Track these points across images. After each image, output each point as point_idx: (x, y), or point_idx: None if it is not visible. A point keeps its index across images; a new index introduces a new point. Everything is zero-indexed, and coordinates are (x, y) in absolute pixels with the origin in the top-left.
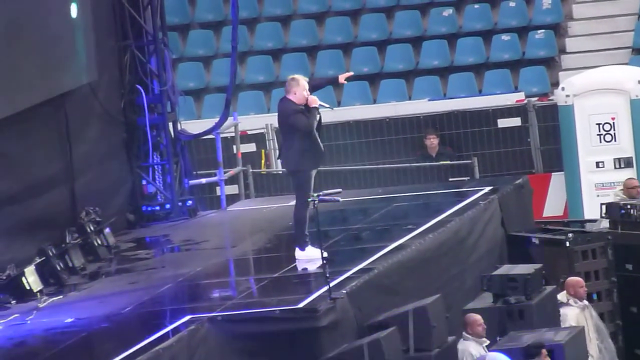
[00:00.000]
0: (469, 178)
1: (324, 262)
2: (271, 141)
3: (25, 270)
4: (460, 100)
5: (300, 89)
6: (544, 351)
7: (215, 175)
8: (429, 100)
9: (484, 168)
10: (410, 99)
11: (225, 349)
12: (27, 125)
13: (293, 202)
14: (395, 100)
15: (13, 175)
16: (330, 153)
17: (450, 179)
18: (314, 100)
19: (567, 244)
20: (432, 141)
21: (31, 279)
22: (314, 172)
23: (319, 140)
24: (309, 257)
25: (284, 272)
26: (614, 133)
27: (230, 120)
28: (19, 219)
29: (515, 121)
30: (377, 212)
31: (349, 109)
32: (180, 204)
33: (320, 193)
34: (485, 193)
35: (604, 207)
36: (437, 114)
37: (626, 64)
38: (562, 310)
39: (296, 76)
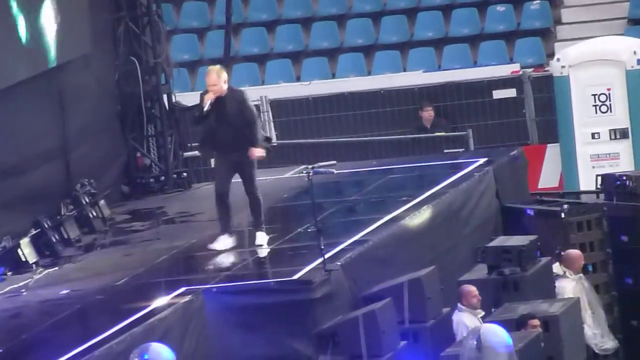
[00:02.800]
0: (463, 150)
1: (317, 234)
2: (265, 113)
3: (21, 242)
4: (455, 72)
5: None
6: (533, 321)
7: None
8: (424, 72)
9: (479, 139)
10: (405, 70)
11: (220, 321)
12: (22, 99)
13: (288, 174)
14: (390, 72)
15: (8, 148)
16: (325, 125)
17: (445, 151)
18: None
19: (562, 215)
20: (430, 113)
21: (27, 250)
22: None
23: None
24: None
25: (279, 244)
26: (610, 104)
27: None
28: (14, 192)
29: (511, 92)
30: (371, 184)
31: (344, 80)
32: (174, 175)
33: (315, 165)
34: (480, 165)
35: (599, 178)
36: (432, 85)
37: (622, 34)
38: (559, 283)
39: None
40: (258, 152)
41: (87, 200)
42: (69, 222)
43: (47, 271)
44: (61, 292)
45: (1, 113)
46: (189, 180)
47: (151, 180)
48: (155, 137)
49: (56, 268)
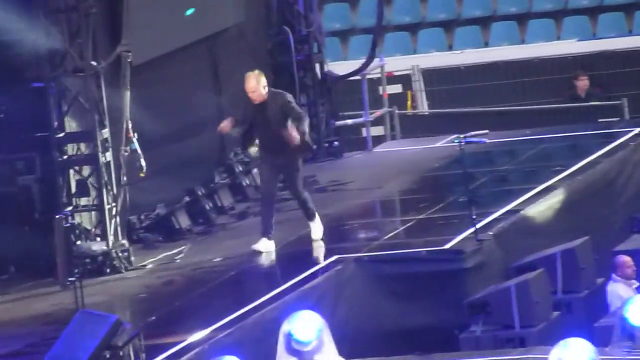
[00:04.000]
0: (618, 119)
1: (469, 203)
2: (417, 82)
3: (175, 209)
4: (610, 41)
5: None
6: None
7: (361, 116)
8: (578, 40)
9: (634, 109)
10: (558, 39)
11: (371, 289)
12: (179, 67)
13: (439, 144)
14: (544, 40)
15: (164, 116)
16: (477, 94)
17: (599, 120)
18: None
19: None
20: (584, 82)
21: (181, 218)
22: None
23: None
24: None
25: (430, 214)
26: None
27: (376, 61)
28: (169, 160)
29: None
30: (524, 153)
31: (497, 49)
32: (326, 145)
33: (467, 134)
34: (635, 134)
35: None
36: (586, 54)
37: None
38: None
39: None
40: (295, 137)
41: (241, 168)
42: (223, 190)
43: (200, 238)
44: (214, 260)
45: (159, 80)
46: (340, 149)
47: None
48: (307, 106)
49: (209, 235)
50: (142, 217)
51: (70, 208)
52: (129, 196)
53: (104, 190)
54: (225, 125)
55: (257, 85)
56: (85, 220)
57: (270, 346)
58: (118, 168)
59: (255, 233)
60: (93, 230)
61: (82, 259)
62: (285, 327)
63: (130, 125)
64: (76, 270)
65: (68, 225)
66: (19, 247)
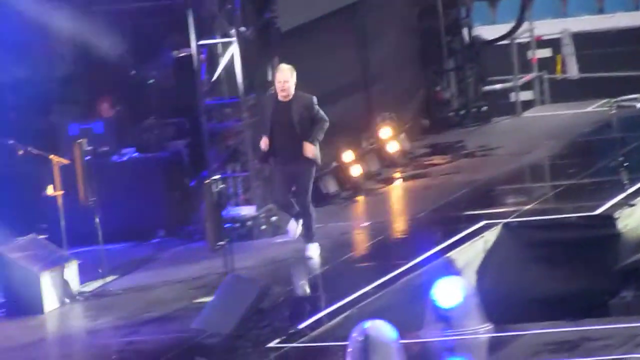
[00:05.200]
0: None
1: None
2: (567, 46)
3: (323, 175)
4: None
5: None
6: None
7: (509, 81)
8: None
9: None
10: None
11: (520, 255)
12: (325, 33)
13: (590, 108)
14: None
15: (311, 83)
16: (629, 58)
17: None
18: None
19: None
20: None
21: (328, 183)
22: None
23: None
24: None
25: (580, 179)
26: None
27: (525, 25)
28: None
29: None
30: None
31: None
32: (474, 109)
33: (618, 99)
34: None
35: None
36: None
37: None
38: None
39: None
40: (310, 150)
41: (388, 134)
42: (370, 155)
43: (346, 203)
44: (361, 225)
45: (305, 47)
46: (488, 113)
47: (450, 114)
48: (455, 71)
49: (356, 199)
50: None
51: (219, 174)
52: None
53: (252, 156)
54: (265, 142)
55: (290, 78)
56: (234, 185)
57: (418, 311)
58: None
59: (401, 198)
60: (242, 195)
61: (231, 223)
62: (433, 293)
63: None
64: (225, 235)
65: (217, 190)
66: (169, 211)
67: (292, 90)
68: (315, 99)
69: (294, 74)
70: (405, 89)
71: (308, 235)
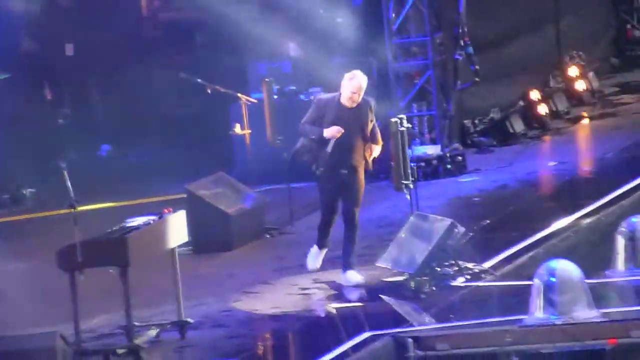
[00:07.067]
0: None
1: None
2: None
3: (510, 114)
4: None
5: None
6: None
7: None
8: None
9: None
10: None
11: None
12: None
13: None
14: None
15: (499, 21)
16: None
17: None
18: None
19: None
20: None
21: (515, 122)
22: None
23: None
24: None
25: None
26: None
27: None
28: (501, 63)
29: None
30: None
31: None
32: None
33: None
34: None
35: None
36: None
37: None
38: None
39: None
40: (377, 151)
41: (577, 72)
42: (558, 94)
43: (533, 143)
44: (548, 165)
45: None
46: None
47: None
48: None
49: (543, 140)
50: (477, 121)
51: (404, 112)
52: (463, 101)
53: (439, 95)
54: (338, 130)
55: (362, 88)
56: (420, 124)
57: (605, 251)
58: (452, 72)
59: (586, 139)
60: (427, 134)
61: (417, 162)
62: (543, 278)
63: (465, 30)
64: (411, 174)
65: (403, 128)
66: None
67: (360, 98)
68: (374, 102)
69: (366, 80)
70: (595, 27)
71: (350, 253)
